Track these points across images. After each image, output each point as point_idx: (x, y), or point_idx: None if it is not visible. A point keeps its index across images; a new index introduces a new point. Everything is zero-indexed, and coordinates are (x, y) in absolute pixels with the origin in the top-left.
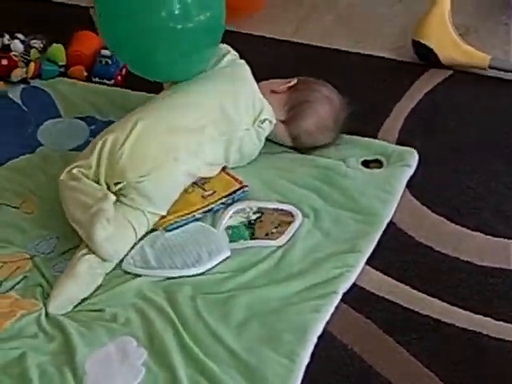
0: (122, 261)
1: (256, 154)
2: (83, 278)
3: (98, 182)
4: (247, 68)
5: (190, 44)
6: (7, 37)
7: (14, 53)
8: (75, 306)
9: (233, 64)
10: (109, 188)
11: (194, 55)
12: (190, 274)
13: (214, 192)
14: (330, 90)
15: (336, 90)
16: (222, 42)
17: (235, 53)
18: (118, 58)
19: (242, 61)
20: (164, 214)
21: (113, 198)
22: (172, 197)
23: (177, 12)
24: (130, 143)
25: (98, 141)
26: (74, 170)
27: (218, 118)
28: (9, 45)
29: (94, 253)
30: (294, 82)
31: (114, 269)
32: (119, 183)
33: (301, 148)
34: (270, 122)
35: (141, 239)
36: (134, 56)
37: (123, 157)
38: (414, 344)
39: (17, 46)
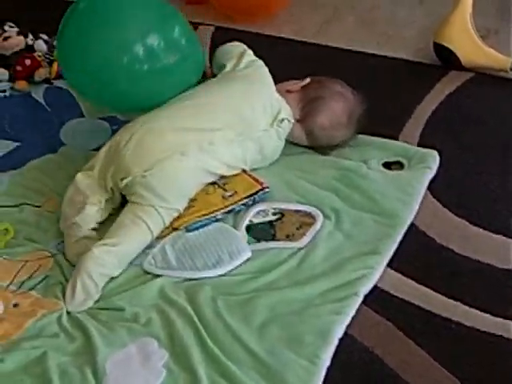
0: (143, 260)
1: (278, 153)
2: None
3: (104, 181)
4: (265, 69)
5: (160, 84)
6: (31, 37)
7: (37, 53)
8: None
9: (251, 65)
10: (115, 186)
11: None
12: (211, 275)
13: (235, 193)
14: (343, 86)
15: (351, 87)
16: (244, 42)
17: (250, 51)
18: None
19: (260, 62)
20: (179, 208)
21: (91, 209)
22: (185, 192)
23: (141, 55)
24: (136, 139)
25: (107, 142)
26: (78, 174)
27: (233, 120)
28: (32, 45)
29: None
30: (307, 80)
31: (134, 268)
32: (125, 178)
33: (317, 146)
34: (289, 120)
35: (162, 238)
36: (101, 99)
37: (128, 152)
38: (434, 347)
39: (40, 46)
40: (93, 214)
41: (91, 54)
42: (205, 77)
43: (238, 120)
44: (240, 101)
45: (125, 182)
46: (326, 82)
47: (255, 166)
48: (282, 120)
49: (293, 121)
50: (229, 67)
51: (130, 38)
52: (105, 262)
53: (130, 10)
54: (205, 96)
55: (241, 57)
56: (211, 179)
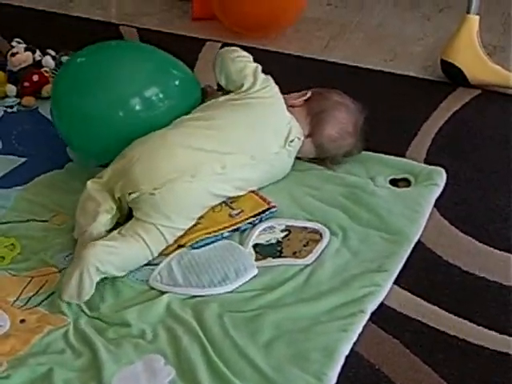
0: (149, 276)
1: (287, 171)
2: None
3: (112, 191)
4: (277, 89)
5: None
6: (38, 53)
7: (45, 69)
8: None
9: (265, 85)
10: (122, 198)
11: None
12: (217, 292)
13: (242, 211)
14: (342, 96)
15: (358, 103)
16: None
17: (259, 67)
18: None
19: (271, 80)
20: (184, 228)
21: (104, 217)
22: (191, 214)
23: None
24: (147, 155)
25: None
26: (88, 182)
27: (247, 145)
28: (40, 61)
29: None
30: (308, 94)
31: (140, 284)
32: (133, 193)
33: (326, 159)
34: (299, 138)
35: (167, 255)
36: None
37: (138, 168)
38: (441, 364)
39: (48, 61)
40: (105, 222)
41: (86, 114)
42: (204, 95)
43: (252, 145)
44: (255, 126)
45: (132, 196)
46: (325, 94)
47: (264, 184)
48: (293, 140)
49: (303, 138)
50: (245, 87)
51: (124, 94)
52: (103, 260)
53: (122, 65)
54: (219, 118)
55: (255, 76)
56: (219, 201)
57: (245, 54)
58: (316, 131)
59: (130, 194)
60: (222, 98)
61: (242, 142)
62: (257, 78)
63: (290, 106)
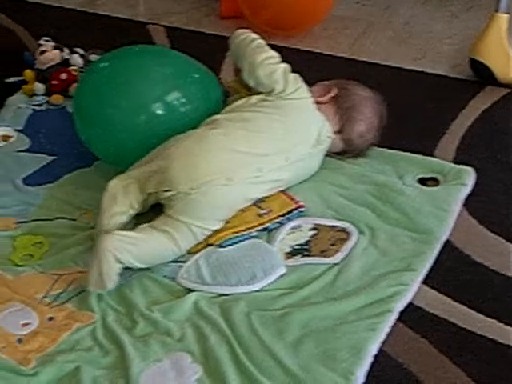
0: (176, 273)
1: (317, 169)
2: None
3: (144, 185)
4: (307, 90)
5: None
6: (67, 51)
7: (73, 67)
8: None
9: (296, 86)
10: (154, 193)
11: None
12: (245, 291)
13: (270, 211)
14: (366, 89)
15: (386, 102)
16: (282, 58)
17: (289, 69)
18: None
19: (302, 84)
20: (215, 228)
21: (122, 218)
22: (223, 217)
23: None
24: (186, 154)
25: (165, 148)
26: (113, 180)
27: (283, 148)
28: (68, 59)
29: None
30: (335, 91)
31: (167, 281)
32: (169, 191)
33: (349, 152)
34: (329, 137)
35: (195, 253)
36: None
37: (177, 166)
38: (470, 364)
39: (76, 60)
40: (123, 221)
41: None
42: (226, 94)
43: (287, 146)
44: (289, 128)
45: (168, 194)
46: (351, 89)
47: (293, 183)
48: (324, 139)
49: (333, 136)
50: (277, 91)
51: (146, 99)
52: (120, 248)
53: (144, 71)
54: (255, 120)
55: (286, 79)
56: (251, 203)
57: (271, 53)
58: (346, 128)
59: (165, 191)
60: (254, 99)
61: (277, 144)
62: (288, 81)
63: (316, 103)
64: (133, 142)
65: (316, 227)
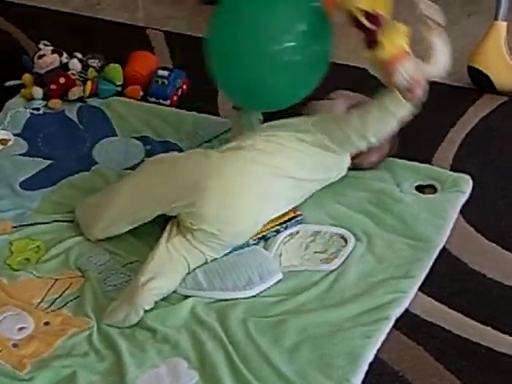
0: None
1: None
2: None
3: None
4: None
5: (298, 76)
6: (65, 55)
7: (71, 71)
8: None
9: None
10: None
11: (300, 86)
12: (241, 296)
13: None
14: None
15: None
16: None
17: None
18: (227, 93)
19: None
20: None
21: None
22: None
23: (286, 45)
24: (221, 191)
25: (200, 178)
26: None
27: (304, 189)
28: (67, 63)
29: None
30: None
31: None
32: (195, 226)
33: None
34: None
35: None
36: (244, 89)
37: (208, 205)
38: (464, 371)
39: (75, 64)
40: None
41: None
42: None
43: (309, 189)
44: (316, 172)
45: (193, 227)
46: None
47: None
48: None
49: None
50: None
51: (278, 30)
52: (151, 302)
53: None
54: (290, 160)
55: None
56: None
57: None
58: (360, 157)
59: (191, 223)
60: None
61: (300, 189)
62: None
63: None
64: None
65: (313, 234)
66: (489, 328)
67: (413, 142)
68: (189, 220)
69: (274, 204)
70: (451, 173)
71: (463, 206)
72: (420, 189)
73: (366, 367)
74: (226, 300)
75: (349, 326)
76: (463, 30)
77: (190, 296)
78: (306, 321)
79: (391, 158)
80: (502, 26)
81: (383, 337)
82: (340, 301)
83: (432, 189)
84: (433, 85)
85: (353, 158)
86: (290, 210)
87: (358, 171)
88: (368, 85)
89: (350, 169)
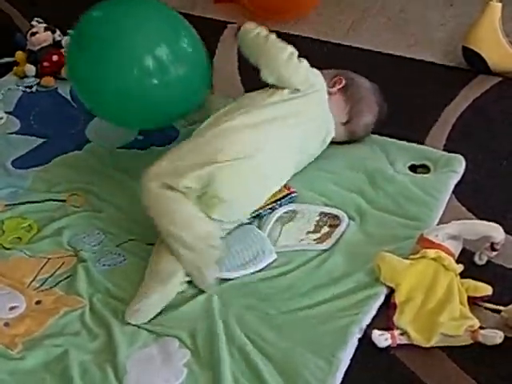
0: None
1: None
2: (171, 295)
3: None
4: (325, 95)
5: (167, 99)
6: (58, 33)
7: (64, 49)
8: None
9: (318, 88)
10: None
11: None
12: (235, 276)
13: None
14: (366, 80)
15: (379, 89)
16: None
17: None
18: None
19: (321, 80)
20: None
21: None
22: None
23: (151, 68)
24: (231, 184)
25: (200, 166)
26: (177, 186)
27: (297, 161)
28: (60, 41)
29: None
30: (343, 82)
31: None
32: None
33: (350, 142)
34: (333, 138)
35: None
36: (110, 114)
37: (219, 195)
38: (454, 349)
39: (68, 42)
40: None
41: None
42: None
43: (301, 160)
44: (306, 141)
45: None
46: (357, 80)
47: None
48: (327, 141)
49: (334, 135)
50: (301, 89)
51: (139, 52)
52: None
53: (136, 23)
54: (273, 142)
55: (309, 77)
56: None
57: (289, 49)
58: (353, 120)
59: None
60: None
61: (293, 162)
62: (310, 80)
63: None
64: (127, 97)
65: (306, 213)
66: (481, 308)
67: (406, 122)
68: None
69: (273, 187)
70: (444, 153)
71: (456, 186)
72: (413, 168)
73: (355, 344)
74: (220, 279)
75: (338, 304)
76: (459, 10)
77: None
78: (296, 299)
79: (384, 138)
80: (497, 6)
81: (373, 313)
82: (330, 280)
83: (425, 169)
84: (427, 65)
85: (346, 123)
86: (284, 187)
87: (350, 148)
88: (363, 64)
89: (347, 142)
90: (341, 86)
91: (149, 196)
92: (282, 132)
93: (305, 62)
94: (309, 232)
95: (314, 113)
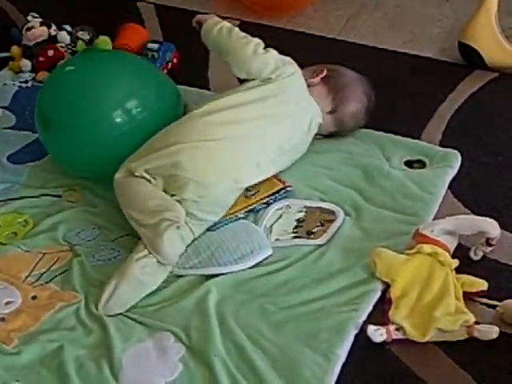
0: None
1: (305, 150)
2: (136, 282)
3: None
4: (299, 75)
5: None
6: (54, 27)
7: (60, 44)
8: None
9: (289, 74)
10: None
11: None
12: (232, 270)
13: (257, 192)
14: (351, 71)
15: (373, 85)
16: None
17: (278, 56)
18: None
19: (295, 68)
20: (212, 220)
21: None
22: (223, 211)
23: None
24: (194, 163)
25: (163, 148)
26: (138, 171)
27: (278, 137)
28: (55, 36)
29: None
30: (324, 71)
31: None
32: (176, 196)
33: (340, 135)
34: (319, 123)
35: None
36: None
37: (185, 174)
38: (449, 344)
39: (63, 37)
40: None
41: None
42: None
43: (282, 138)
44: (285, 119)
45: (174, 198)
46: (340, 70)
47: (284, 168)
48: (314, 125)
49: (321, 121)
50: (272, 77)
51: (108, 106)
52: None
53: (106, 78)
54: (247, 113)
55: (279, 65)
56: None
57: (255, 40)
58: (339, 108)
59: (172, 195)
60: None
61: (272, 138)
62: (280, 68)
63: (308, 86)
64: (98, 149)
65: (302, 209)
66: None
67: (402, 118)
68: (170, 192)
69: (250, 161)
70: (440, 148)
71: (452, 182)
72: (409, 164)
73: (351, 340)
74: (216, 275)
75: (335, 299)
76: (454, 5)
77: (181, 276)
78: (293, 294)
79: (380, 133)
80: (493, 1)
81: (369, 309)
82: (327, 275)
83: (421, 164)
84: (423, 61)
85: (333, 111)
86: (279, 181)
87: (346, 143)
88: (359, 60)
89: (340, 135)
90: (323, 75)
91: (115, 186)
92: (258, 113)
93: (272, 52)
94: (303, 227)
95: (292, 95)
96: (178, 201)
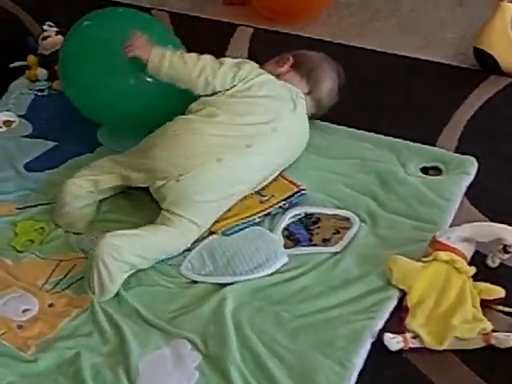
0: (179, 262)
1: (307, 138)
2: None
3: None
4: (256, 72)
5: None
6: None
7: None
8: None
9: (254, 70)
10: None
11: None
12: (248, 278)
13: (272, 196)
14: (313, 51)
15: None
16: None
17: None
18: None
19: (255, 66)
20: (214, 217)
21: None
22: (219, 202)
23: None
24: (168, 142)
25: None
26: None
27: (267, 117)
28: None
29: None
30: (291, 59)
31: (170, 268)
32: (158, 180)
33: (319, 115)
34: (302, 97)
35: (198, 242)
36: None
37: (160, 155)
38: (467, 353)
39: None
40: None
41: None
42: None
43: (271, 117)
44: (268, 103)
45: (158, 184)
46: (305, 53)
47: (290, 160)
48: (298, 98)
49: (303, 96)
50: (236, 83)
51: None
52: (120, 249)
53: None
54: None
55: (233, 73)
56: (246, 188)
57: (199, 63)
58: (315, 87)
59: (154, 182)
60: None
61: (260, 117)
62: (241, 74)
63: (277, 76)
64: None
65: (318, 216)
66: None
67: (418, 124)
68: (152, 181)
69: (238, 143)
70: (456, 154)
71: (468, 188)
72: (425, 170)
73: (368, 347)
74: (232, 283)
75: (351, 307)
76: (469, 10)
77: (196, 281)
78: (309, 302)
79: (395, 139)
80: (508, 6)
81: (386, 316)
82: (343, 282)
83: (437, 170)
84: (438, 66)
85: (309, 93)
86: (294, 185)
87: (361, 150)
88: (373, 65)
89: (319, 118)
90: (290, 62)
91: None
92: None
93: (226, 62)
94: (320, 234)
95: (267, 87)
96: (160, 188)
